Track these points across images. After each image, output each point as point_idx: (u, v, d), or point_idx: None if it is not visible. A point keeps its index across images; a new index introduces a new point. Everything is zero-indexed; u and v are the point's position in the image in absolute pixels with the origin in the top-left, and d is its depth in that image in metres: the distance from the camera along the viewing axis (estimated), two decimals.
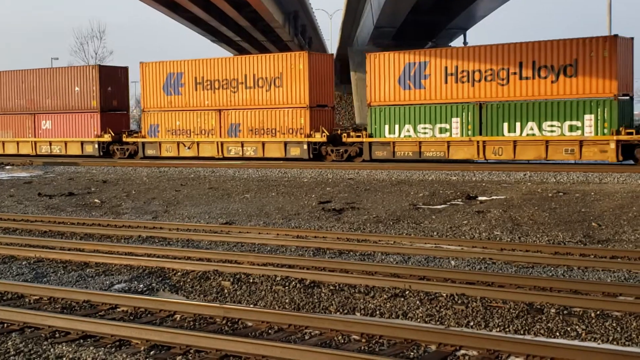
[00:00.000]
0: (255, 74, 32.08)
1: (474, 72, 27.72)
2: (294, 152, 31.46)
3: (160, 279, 10.60)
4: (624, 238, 13.21)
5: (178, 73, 34.07)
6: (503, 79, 27.23)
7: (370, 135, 29.79)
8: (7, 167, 33.20)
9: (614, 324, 7.84)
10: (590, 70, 25.65)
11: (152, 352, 7.17)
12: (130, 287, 10.20)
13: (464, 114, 28.01)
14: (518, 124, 26.94)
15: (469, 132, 27.93)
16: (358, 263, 10.99)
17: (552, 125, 26.54)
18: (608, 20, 36.38)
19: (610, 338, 7.51)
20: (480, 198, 18.87)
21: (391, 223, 15.44)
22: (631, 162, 25.59)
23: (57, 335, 7.81)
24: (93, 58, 66.62)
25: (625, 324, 7.83)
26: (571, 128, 26.13)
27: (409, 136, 28.96)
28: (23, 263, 11.92)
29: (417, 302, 8.91)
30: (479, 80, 27.70)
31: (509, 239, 13.39)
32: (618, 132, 25.26)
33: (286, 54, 32.51)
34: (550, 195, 18.94)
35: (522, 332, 7.84)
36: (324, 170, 26.96)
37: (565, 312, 8.30)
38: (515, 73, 26.96)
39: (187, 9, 41.97)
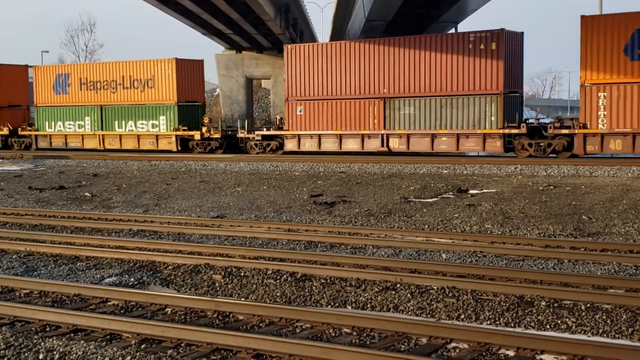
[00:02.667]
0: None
1: (97, 82, 37.86)
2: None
3: (151, 272, 10.58)
4: (614, 231, 13.26)
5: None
6: (114, 88, 37.37)
7: (37, 130, 39.84)
8: None
9: (604, 317, 7.87)
10: (160, 84, 36.39)
11: (143, 346, 7.16)
12: (121, 280, 10.18)
13: (92, 113, 37.99)
14: (123, 122, 37.20)
15: (95, 128, 37.97)
16: (349, 256, 10.99)
17: (142, 123, 36.76)
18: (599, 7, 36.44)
19: (600, 330, 7.54)
20: (471, 191, 18.91)
21: (382, 216, 15.45)
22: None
23: (47, 329, 7.78)
24: (83, 51, 66.33)
25: (615, 317, 7.86)
26: (153, 125, 36.54)
27: (60, 130, 39.03)
28: (13, 257, 11.87)
29: (408, 295, 8.92)
30: (100, 89, 37.84)
31: (499, 232, 13.43)
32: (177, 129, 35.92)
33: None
34: (541, 188, 19.00)
35: (512, 325, 7.87)
36: (315, 163, 26.97)
37: (555, 304, 8.33)
38: (120, 84, 37.22)
39: (178, 2, 41.76)
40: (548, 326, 7.75)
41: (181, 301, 8.57)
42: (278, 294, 9.27)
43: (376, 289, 9.21)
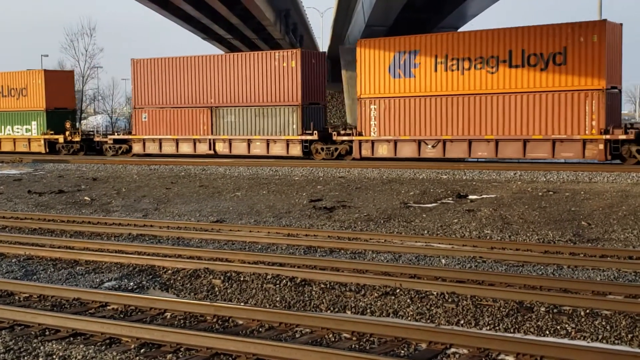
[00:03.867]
0: None
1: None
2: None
3: (150, 277, 10.57)
4: (614, 237, 13.27)
5: None
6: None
7: None
8: None
9: (604, 323, 7.87)
10: (32, 93, 39.91)
11: (142, 350, 7.16)
12: (121, 285, 10.17)
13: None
14: (2, 127, 41.03)
15: None
16: (349, 261, 11.00)
17: (18, 128, 40.56)
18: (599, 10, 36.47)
19: (600, 336, 7.54)
20: (470, 197, 18.92)
21: (382, 221, 15.46)
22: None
23: (47, 333, 7.78)
24: (83, 55, 66.32)
25: (614, 323, 7.86)
26: (27, 130, 40.23)
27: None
28: (13, 260, 11.87)
29: (408, 300, 8.92)
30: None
31: (499, 238, 13.43)
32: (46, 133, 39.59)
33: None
34: (540, 194, 19.01)
35: (512, 331, 7.87)
36: (315, 168, 27.00)
37: (555, 310, 8.33)
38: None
39: (178, 7, 41.87)
40: (547, 332, 7.75)
41: (180, 305, 8.56)
42: (277, 299, 9.27)
43: (376, 294, 9.20)
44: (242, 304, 9.16)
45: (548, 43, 26.42)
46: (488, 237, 13.54)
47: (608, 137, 25.45)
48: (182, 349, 7.12)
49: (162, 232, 14.40)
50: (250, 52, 35.86)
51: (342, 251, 12.32)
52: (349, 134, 30.61)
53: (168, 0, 40.69)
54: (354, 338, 7.43)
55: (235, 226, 15.04)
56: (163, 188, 22.30)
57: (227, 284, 9.97)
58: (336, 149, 30.88)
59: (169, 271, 10.82)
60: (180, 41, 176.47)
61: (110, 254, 11.86)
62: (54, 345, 7.27)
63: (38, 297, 9.29)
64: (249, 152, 32.67)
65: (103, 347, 7.25)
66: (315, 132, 31.18)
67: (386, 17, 38.13)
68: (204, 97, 33.73)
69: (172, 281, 10.34)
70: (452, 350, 7.02)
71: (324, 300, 9.12)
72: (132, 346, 7.26)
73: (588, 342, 7.42)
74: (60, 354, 7.04)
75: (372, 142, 29.68)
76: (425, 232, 14.20)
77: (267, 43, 55.32)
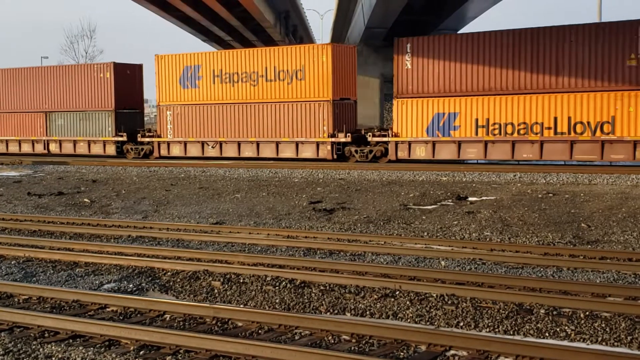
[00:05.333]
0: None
1: None
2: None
3: (150, 278, 10.57)
4: (613, 239, 13.27)
5: None
6: None
7: None
8: None
9: (603, 325, 7.87)
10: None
11: (141, 352, 7.16)
12: (120, 286, 10.17)
13: None
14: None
15: None
16: (348, 263, 10.99)
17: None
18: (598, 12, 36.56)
19: (599, 339, 7.54)
20: (470, 199, 18.92)
21: (382, 223, 15.46)
22: None
23: (46, 335, 7.78)
24: (83, 57, 66.45)
25: (614, 325, 7.86)
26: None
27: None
28: (12, 262, 11.87)
29: (408, 302, 8.92)
30: None
31: (498, 240, 13.43)
32: None
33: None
34: (540, 196, 19.02)
35: (511, 333, 7.87)
36: (314, 170, 27.01)
37: (554, 312, 8.33)
38: None
39: (178, 8, 41.87)
40: (547, 334, 7.75)
41: (180, 307, 8.56)
42: (277, 301, 9.27)
43: (375, 296, 9.20)
44: (241, 306, 9.15)
45: (293, 62, 31.29)
46: (488, 239, 13.55)
47: (333, 139, 30.17)
48: (181, 351, 7.12)
49: (161, 234, 14.40)
50: (74, 64, 42.23)
51: (342, 253, 12.32)
52: (150, 135, 35.36)
53: (168, 3, 40.67)
54: (354, 340, 7.43)
55: (235, 228, 15.04)
56: (163, 190, 22.30)
57: (226, 286, 9.97)
58: (142, 149, 35.47)
59: (169, 273, 10.82)
60: (181, 41, 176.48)
61: (110, 256, 11.85)
62: (53, 347, 7.27)
63: (37, 299, 9.29)
64: (74, 152, 37.03)
65: (102, 349, 7.25)
66: (124, 133, 35.69)
67: (386, 20, 38.15)
68: (40, 103, 37.96)
69: (171, 283, 10.34)
70: (452, 352, 7.02)
71: (323, 302, 9.12)
72: (132, 348, 7.26)
73: (587, 344, 7.42)
74: (60, 356, 7.04)
75: (168, 143, 34.49)
76: (425, 234, 14.20)
77: (267, 45, 55.34)
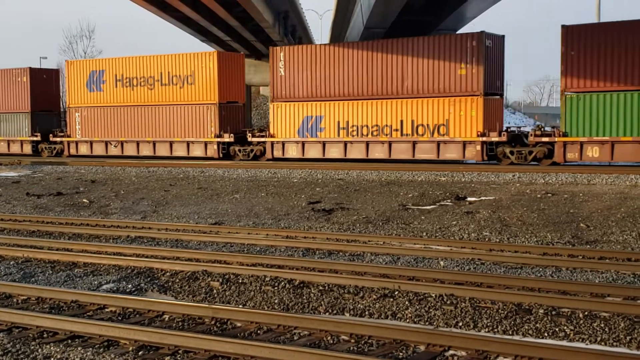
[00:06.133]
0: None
1: None
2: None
3: (148, 279, 10.57)
4: (612, 239, 13.27)
5: None
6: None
7: None
8: None
9: (602, 325, 7.87)
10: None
11: (140, 353, 7.15)
12: (119, 287, 10.16)
13: None
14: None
15: None
16: (347, 263, 10.99)
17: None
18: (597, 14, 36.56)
19: (598, 339, 7.54)
20: (469, 199, 18.92)
21: (380, 223, 15.45)
22: None
23: (45, 335, 7.77)
24: (82, 57, 66.39)
25: (613, 325, 7.86)
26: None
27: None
28: (11, 263, 11.86)
29: (406, 302, 8.92)
30: None
31: (497, 240, 13.43)
32: None
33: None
34: (539, 196, 19.01)
35: (510, 333, 7.86)
36: (313, 170, 27.02)
37: (553, 312, 8.33)
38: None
39: (177, 9, 41.79)
40: (546, 334, 7.75)
41: (179, 308, 8.55)
42: (276, 301, 9.26)
43: (374, 296, 9.20)
44: (240, 306, 9.15)
45: (184, 67, 33.72)
46: (487, 239, 13.55)
47: (219, 140, 32.89)
48: (180, 352, 7.12)
49: (160, 234, 14.40)
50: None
51: (341, 253, 12.32)
52: (61, 135, 37.96)
53: (167, 3, 40.63)
54: (352, 340, 7.42)
55: (234, 228, 15.04)
56: (161, 190, 22.28)
57: (225, 286, 9.96)
58: (55, 148, 38.36)
59: (167, 273, 10.82)
60: (179, 41, 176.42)
61: (109, 256, 11.85)
62: (52, 348, 7.26)
63: (36, 300, 9.28)
64: (8, 151, 39.82)
65: (101, 350, 7.25)
66: (39, 134, 38.58)
67: (385, 20, 38.13)
68: None
69: (170, 283, 10.33)
70: (451, 352, 7.02)
71: (322, 303, 9.12)
72: (130, 348, 7.26)
73: (586, 344, 7.42)
74: (59, 356, 7.03)
75: (77, 142, 37.18)
76: (424, 234, 14.20)
77: (266, 45, 55.28)
